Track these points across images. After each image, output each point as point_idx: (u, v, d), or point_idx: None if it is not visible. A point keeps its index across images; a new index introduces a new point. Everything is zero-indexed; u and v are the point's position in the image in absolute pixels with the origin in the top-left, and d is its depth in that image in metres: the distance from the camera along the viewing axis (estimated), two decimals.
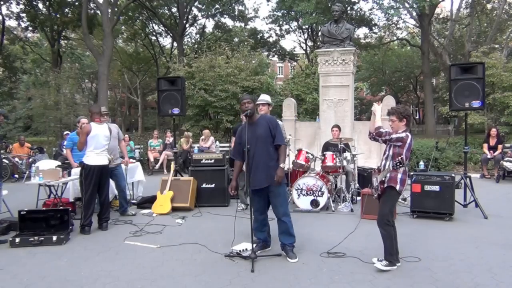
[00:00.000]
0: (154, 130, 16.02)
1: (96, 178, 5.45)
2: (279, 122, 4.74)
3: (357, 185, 7.29)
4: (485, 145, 10.41)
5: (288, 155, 7.63)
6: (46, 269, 4.07)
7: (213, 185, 6.99)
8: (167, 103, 7.71)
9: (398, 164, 3.72)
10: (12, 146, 12.48)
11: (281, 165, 4.23)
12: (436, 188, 5.81)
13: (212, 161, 7.13)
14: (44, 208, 6.08)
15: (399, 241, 4.32)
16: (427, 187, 5.86)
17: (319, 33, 21.14)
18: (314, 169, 6.98)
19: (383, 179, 3.91)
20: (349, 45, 9.98)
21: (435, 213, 5.85)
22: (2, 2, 21.53)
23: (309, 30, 26.84)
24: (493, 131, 10.41)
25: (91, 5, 19.85)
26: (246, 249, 4.36)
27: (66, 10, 23.00)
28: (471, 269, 3.90)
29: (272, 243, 4.67)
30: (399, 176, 3.87)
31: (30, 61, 28.14)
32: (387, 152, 4.01)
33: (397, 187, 3.88)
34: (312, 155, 6.96)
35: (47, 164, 7.08)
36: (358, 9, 22.57)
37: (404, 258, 4.21)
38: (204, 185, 6.99)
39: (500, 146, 10.18)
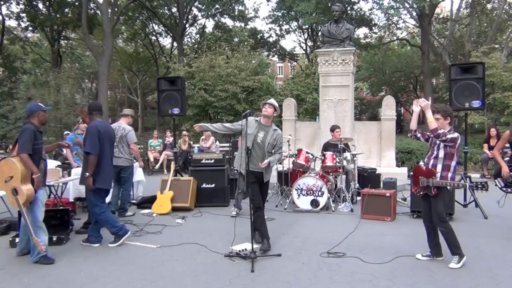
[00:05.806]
0: (154, 130, 16.01)
1: None
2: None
3: (357, 185, 7.28)
4: (485, 145, 10.40)
5: (288, 155, 7.66)
6: (46, 269, 4.07)
7: (213, 185, 6.98)
8: (167, 103, 7.72)
9: (480, 187, 3.91)
10: (12, 146, 12.46)
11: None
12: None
13: (212, 161, 7.12)
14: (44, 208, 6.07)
15: (399, 240, 4.34)
16: None
17: (319, 33, 21.15)
18: (314, 169, 6.98)
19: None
20: (349, 45, 9.97)
21: None
22: (2, 2, 21.53)
23: (309, 30, 26.83)
24: (493, 131, 10.40)
25: (91, 5, 19.85)
26: (246, 249, 4.36)
27: (66, 10, 23.00)
28: (471, 269, 3.90)
29: (272, 243, 4.66)
30: (450, 175, 4.01)
31: (30, 61, 28.12)
32: (435, 152, 4.06)
33: (448, 187, 4.01)
34: (312, 155, 6.96)
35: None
36: (358, 9, 22.54)
37: (404, 258, 4.22)
38: (204, 185, 6.99)
39: None
